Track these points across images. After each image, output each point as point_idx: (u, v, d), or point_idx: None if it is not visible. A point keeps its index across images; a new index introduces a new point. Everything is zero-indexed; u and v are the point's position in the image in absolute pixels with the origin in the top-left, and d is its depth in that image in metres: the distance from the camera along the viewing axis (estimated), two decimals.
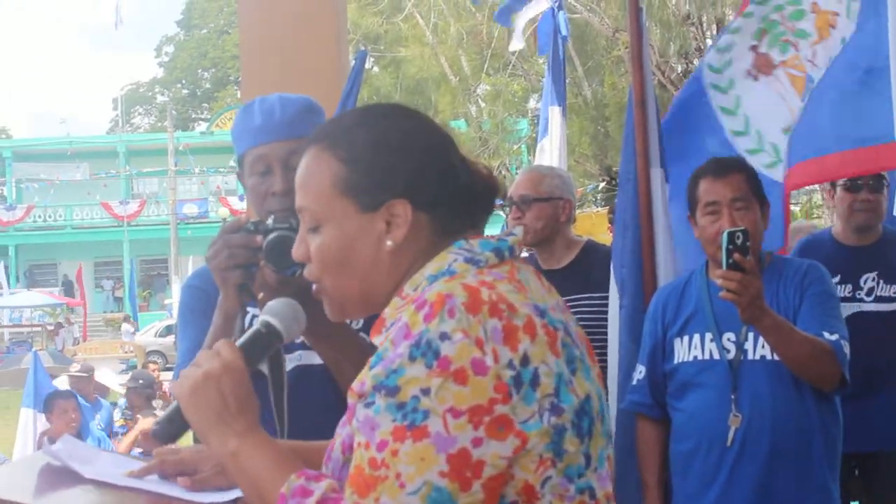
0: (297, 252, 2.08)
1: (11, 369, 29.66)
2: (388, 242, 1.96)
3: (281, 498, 1.83)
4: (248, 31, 6.40)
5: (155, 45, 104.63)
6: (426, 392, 1.72)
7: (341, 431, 1.92)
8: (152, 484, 2.18)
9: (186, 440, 2.30)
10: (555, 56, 8.59)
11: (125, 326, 37.92)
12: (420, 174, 1.98)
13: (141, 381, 11.55)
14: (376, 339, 1.91)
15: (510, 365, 1.75)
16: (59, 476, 2.17)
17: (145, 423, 8.82)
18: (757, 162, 4.92)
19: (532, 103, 31.31)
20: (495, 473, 1.73)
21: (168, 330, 36.08)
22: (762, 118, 5.14)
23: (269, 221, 2.71)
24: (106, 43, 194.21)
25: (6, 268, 48.43)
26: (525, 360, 1.77)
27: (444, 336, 1.74)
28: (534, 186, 5.00)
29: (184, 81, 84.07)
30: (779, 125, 5.06)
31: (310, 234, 2.04)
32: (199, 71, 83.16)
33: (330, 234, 2.00)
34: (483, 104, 30.38)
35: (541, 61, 25.57)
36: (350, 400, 1.84)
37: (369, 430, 1.76)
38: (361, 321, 2.89)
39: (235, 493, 2.14)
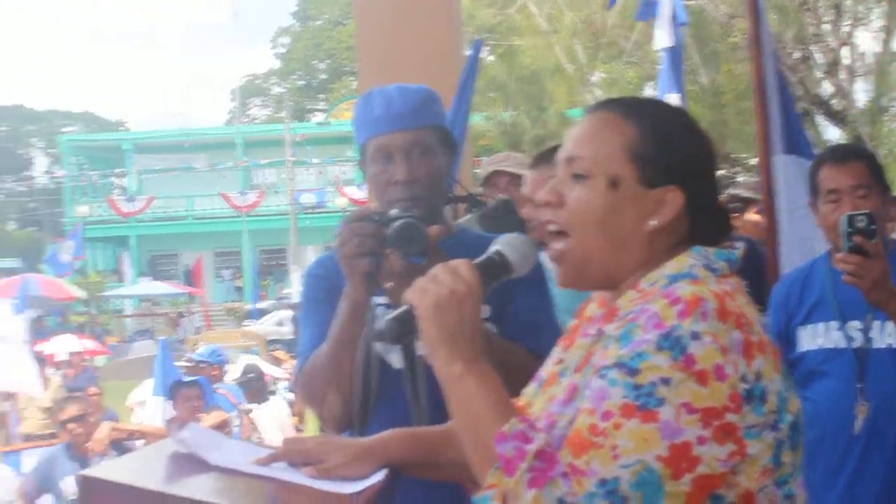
0: (549, 192, 2.08)
1: (122, 360, 30.21)
2: (653, 222, 2.01)
3: (500, 436, 1.86)
4: (363, 22, 6.43)
5: (271, 36, 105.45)
6: (666, 382, 1.78)
7: (562, 410, 1.96)
8: (279, 472, 2.20)
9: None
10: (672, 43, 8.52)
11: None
12: (702, 174, 2.06)
13: (251, 375, 11.67)
14: (608, 328, 1.97)
15: (744, 378, 1.81)
16: (188, 463, 2.19)
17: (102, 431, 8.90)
18: None
19: (647, 91, 31.05)
20: (707, 473, 1.79)
21: (287, 320, 36.39)
22: None
23: (394, 211, 2.74)
24: (223, 35, 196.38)
25: (129, 258, 49.24)
26: (758, 376, 1.83)
27: (695, 335, 1.80)
28: None
29: (300, 73, 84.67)
30: None
31: (572, 182, 2.06)
32: (315, 62, 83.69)
33: (599, 190, 2.02)
34: (599, 92, 30.20)
35: (655, 49, 25.33)
36: (579, 378, 1.94)
37: (598, 399, 1.82)
38: (489, 311, 2.90)
39: (361, 485, 2.15)
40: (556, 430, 1.94)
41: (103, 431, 8.54)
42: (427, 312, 2.02)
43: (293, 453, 2.26)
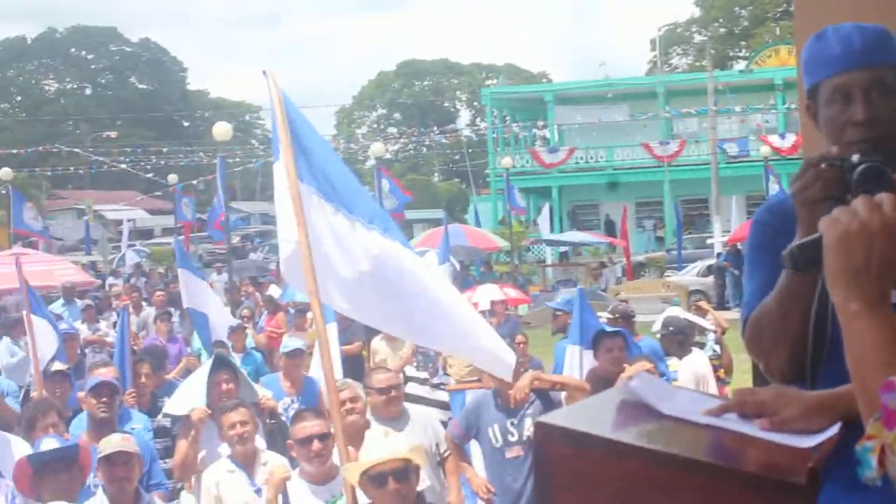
0: None
1: (548, 309, 30.66)
2: None
3: (887, 385, 1.75)
4: None
5: None
6: None
7: None
8: (731, 423, 2.16)
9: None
10: None
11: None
12: None
13: (671, 329, 11.57)
14: None
15: None
16: (636, 411, 2.19)
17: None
18: None
19: None
20: None
21: (709, 270, 36.19)
22: None
23: (856, 156, 2.62)
24: None
25: (550, 209, 50.08)
26: None
27: None
28: None
29: (721, 20, 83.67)
30: None
31: None
32: (737, 9, 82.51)
33: None
34: None
35: None
36: None
37: None
38: None
39: (817, 438, 2.08)
40: None
41: (525, 381, 8.69)
42: (831, 244, 1.92)
43: (746, 405, 2.20)
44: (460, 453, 8.77)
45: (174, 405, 9.14)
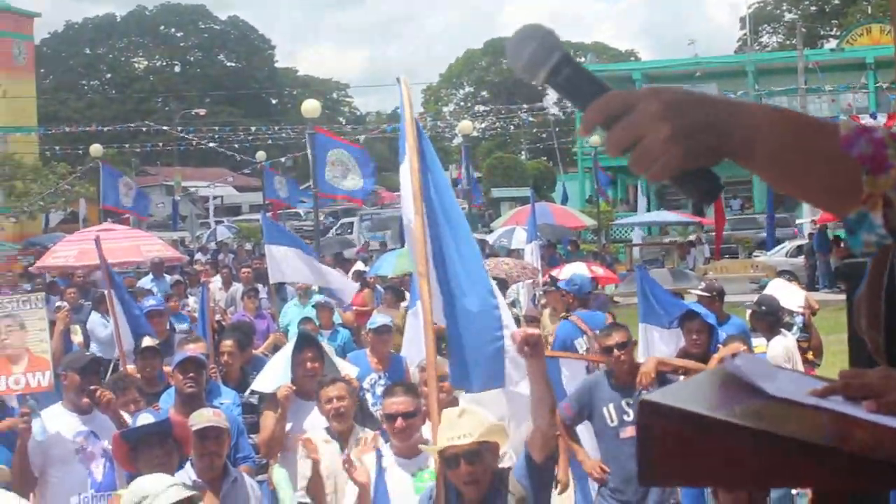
0: None
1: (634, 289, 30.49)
2: None
3: (844, 141, 1.68)
4: None
5: None
6: None
7: None
8: (836, 404, 2.11)
9: None
10: None
11: None
12: None
13: (763, 308, 11.43)
14: None
15: None
16: (740, 390, 2.15)
17: None
18: None
19: None
20: None
21: (799, 250, 35.78)
22: None
23: None
24: None
25: (637, 187, 49.79)
26: None
27: None
28: None
29: None
30: None
31: None
32: None
33: None
34: None
35: None
36: None
37: None
38: None
39: None
40: None
41: (650, 365, 8.70)
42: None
43: (852, 387, 2.14)
44: (570, 435, 8.79)
45: (261, 382, 9.20)
